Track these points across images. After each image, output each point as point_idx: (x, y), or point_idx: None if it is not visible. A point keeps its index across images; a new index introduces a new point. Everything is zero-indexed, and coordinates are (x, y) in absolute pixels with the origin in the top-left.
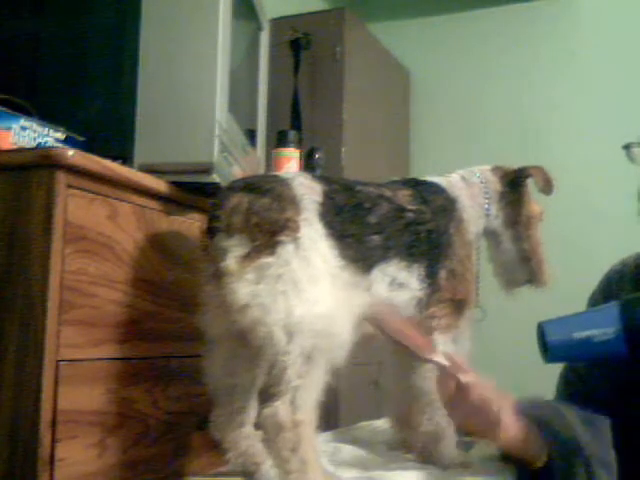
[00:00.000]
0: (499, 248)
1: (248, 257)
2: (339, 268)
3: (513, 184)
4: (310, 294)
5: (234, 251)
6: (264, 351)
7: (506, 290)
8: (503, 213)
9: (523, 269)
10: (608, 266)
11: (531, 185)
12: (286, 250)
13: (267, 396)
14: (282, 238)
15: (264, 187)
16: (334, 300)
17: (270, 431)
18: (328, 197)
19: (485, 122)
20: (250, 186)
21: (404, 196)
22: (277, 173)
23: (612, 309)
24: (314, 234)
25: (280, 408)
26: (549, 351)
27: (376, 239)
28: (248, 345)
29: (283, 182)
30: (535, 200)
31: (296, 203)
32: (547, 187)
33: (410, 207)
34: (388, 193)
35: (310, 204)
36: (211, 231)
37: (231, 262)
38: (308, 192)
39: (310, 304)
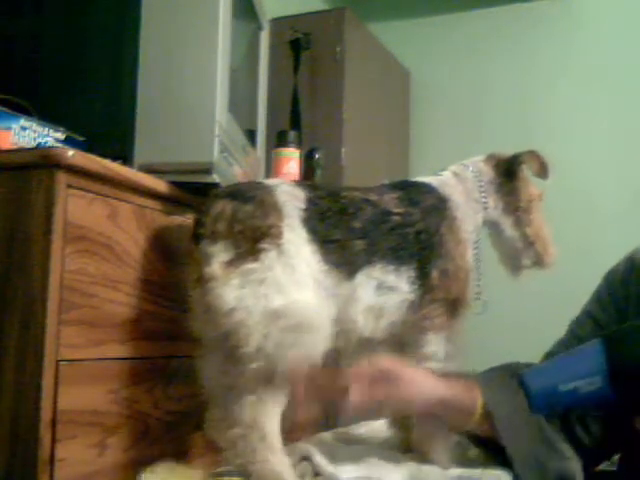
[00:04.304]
0: (502, 237)
1: (232, 263)
2: (322, 273)
3: (508, 172)
4: (292, 295)
5: (218, 257)
6: (243, 352)
7: (513, 275)
8: (502, 202)
9: (528, 253)
10: (608, 265)
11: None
12: (269, 256)
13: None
14: (265, 245)
15: (247, 194)
16: (315, 300)
17: (240, 424)
18: (312, 203)
19: (485, 122)
20: (234, 193)
21: (390, 199)
22: (262, 180)
23: (596, 354)
24: (297, 240)
25: (249, 402)
26: (533, 404)
27: (360, 243)
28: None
29: (266, 189)
30: (532, 183)
31: (279, 210)
32: (542, 172)
33: (396, 210)
34: (373, 197)
35: (293, 210)
36: (196, 237)
37: (216, 267)
38: (291, 199)
39: (291, 303)
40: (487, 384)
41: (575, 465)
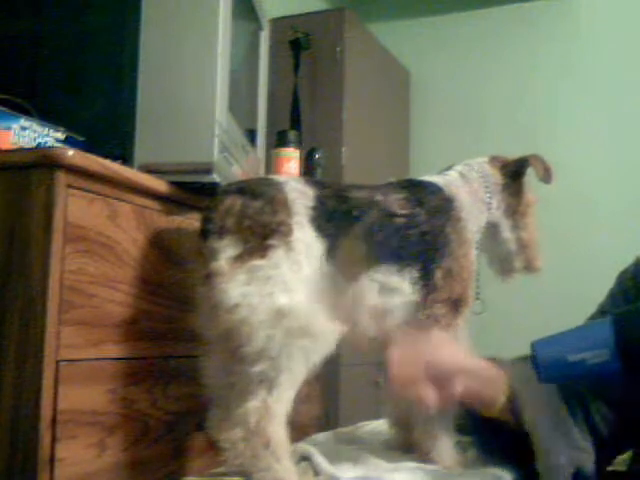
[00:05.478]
0: (498, 238)
1: (240, 258)
2: (328, 273)
3: (514, 175)
4: (297, 296)
5: (226, 252)
6: (245, 350)
7: (503, 278)
8: (504, 204)
9: (520, 257)
10: (608, 266)
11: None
12: (277, 253)
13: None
14: (273, 242)
15: (257, 190)
16: (319, 303)
17: (243, 429)
18: (320, 202)
19: (485, 122)
20: (243, 189)
21: (396, 200)
22: (271, 176)
23: (605, 328)
24: (305, 238)
25: (253, 408)
26: (541, 372)
27: (365, 245)
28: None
29: (276, 186)
30: (530, 188)
31: (288, 207)
32: (547, 175)
33: (401, 212)
34: (380, 198)
35: (302, 208)
36: (204, 233)
37: (222, 263)
38: (300, 196)
39: (295, 304)
40: (509, 365)
41: (588, 457)
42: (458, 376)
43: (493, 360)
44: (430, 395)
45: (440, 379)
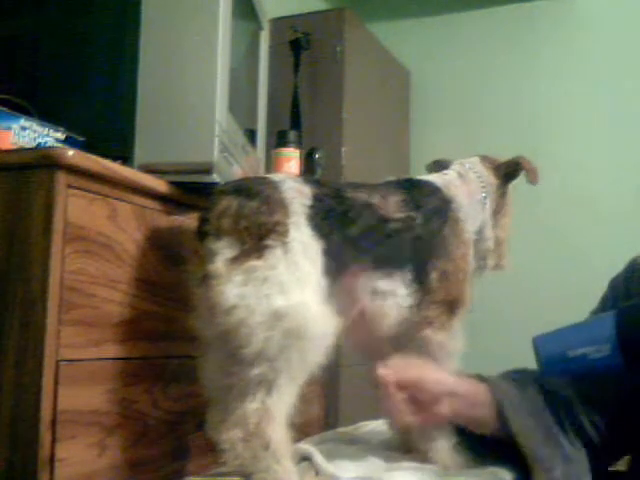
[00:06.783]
0: (481, 236)
1: (237, 260)
2: (324, 274)
3: (507, 176)
4: (295, 297)
5: (223, 253)
6: (244, 351)
7: (475, 274)
8: (494, 204)
9: (494, 255)
10: (608, 265)
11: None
12: (274, 254)
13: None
14: (270, 242)
15: (253, 190)
16: (318, 304)
17: (242, 431)
18: (318, 201)
19: (485, 122)
20: (239, 189)
21: (394, 203)
22: (267, 175)
23: (606, 323)
24: (302, 238)
25: (252, 409)
26: (543, 367)
27: (361, 247)
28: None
29: (272, 185)
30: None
31: (285, 206)
32: (535, 177)
33: (397, 216)
34: (376, 200)
35: (299, 207)
36: (200, 234)
37: (219, 264)
38: (297, 195)
39: (293, 305)
40: (495, 381)
41: (582, 469)
42: (446, 399)
43: (478, 378)
44: (419, 418)
45: (428, 402)
